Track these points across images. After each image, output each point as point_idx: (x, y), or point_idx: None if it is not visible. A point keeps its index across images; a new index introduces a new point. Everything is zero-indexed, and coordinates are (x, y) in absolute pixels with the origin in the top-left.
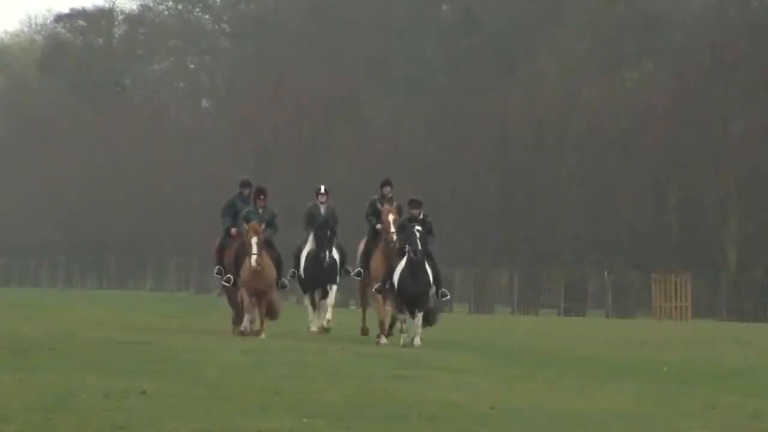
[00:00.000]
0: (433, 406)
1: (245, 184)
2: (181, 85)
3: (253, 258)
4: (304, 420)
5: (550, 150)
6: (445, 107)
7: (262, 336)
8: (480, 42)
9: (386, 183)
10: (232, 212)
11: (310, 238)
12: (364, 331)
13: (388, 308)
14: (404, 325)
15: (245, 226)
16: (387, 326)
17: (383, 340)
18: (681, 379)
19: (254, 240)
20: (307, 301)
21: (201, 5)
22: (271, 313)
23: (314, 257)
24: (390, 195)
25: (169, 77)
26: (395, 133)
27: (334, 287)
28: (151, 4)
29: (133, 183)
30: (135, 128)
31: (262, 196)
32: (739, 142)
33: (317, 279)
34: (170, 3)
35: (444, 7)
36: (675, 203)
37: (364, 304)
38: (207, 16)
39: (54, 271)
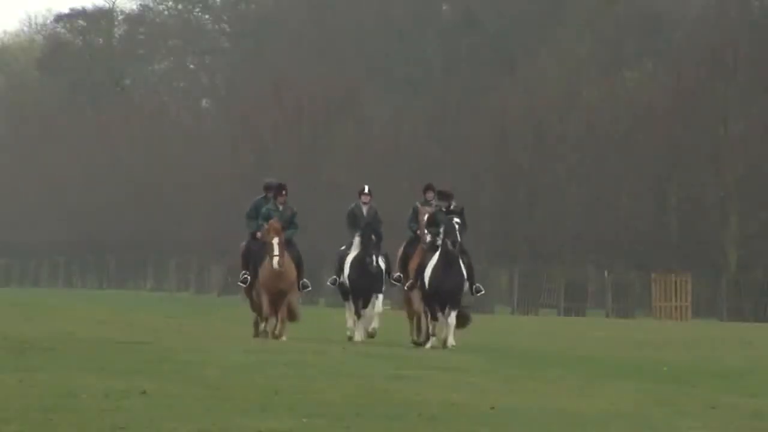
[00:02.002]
0: (433, 406)
1: (270, 187)
2: (181, 85)
3: (275, 260)
4: (304, 420)
5: (550, 150)
6: (445, 107)
7: (283, 338)
8: (480, 42)
9: (429, 188)
10: (257, 215)
11: (355, 242)
12: (417, 342)
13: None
14: (433, 327)
15: (265, 226)
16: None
17: (429, 343)
18: (681, 379)
19: (276, 240)
20: (348, 309)
21: (201, 5)
22: (290, 314)
23: (360, 263)
24: (433, 200)
25: (169, 77)
26: (395, 133)
27: (380, 297)
28: (151, 4)
29: (133, 183)
30: (135, 128)
31: (283, 192)
32: (739, 142)
33: (363, 287)
34: (170, 3)
35: (444, 7)
36: (675, 203)
37: (411, 314)
38: (207, 16)
39: (54, 271)
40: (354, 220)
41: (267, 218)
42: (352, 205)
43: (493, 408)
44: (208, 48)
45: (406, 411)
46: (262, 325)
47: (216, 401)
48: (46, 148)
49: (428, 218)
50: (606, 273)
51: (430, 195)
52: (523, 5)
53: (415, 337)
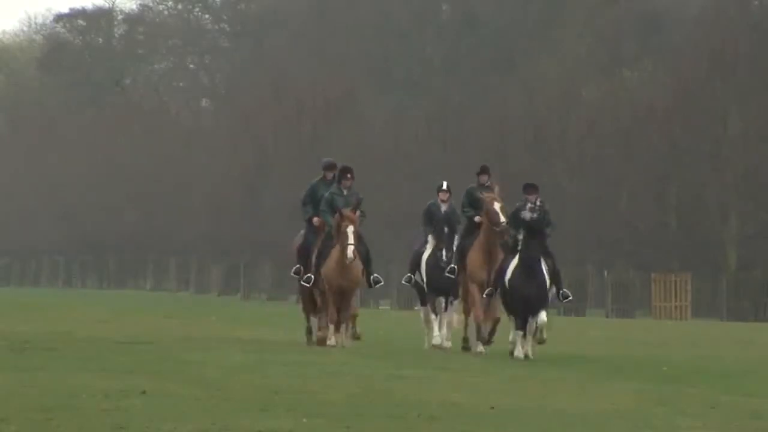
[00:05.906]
0: (433, 406)
1: (330, 166)
2: (181, 85)
3: (350, 249)
4: (304, 420)
5: (550, 150)
6: (445, 107)
7: (347, 343)
8: (480, 42)
9: (483, 171)
10: (314, 200)
11: (429, 240)
12: (466, 344)
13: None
14: (518, 336)
15: (330, 219)
16: (488, 332)
17: (480, 347)
18: (681, 378)
19: (350, 229)
20: (422, 314)
21: (201, 5)
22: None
23: (435, 261)
24: (488, 183)
25: (169, 77)
26: (395, 133)
27: (455, 303)
28: (151, 4)
29: (133, 183)
30: (135, 128)
31: (348, 175)
32: (739, 142)
33: (438, 285)
34: (170, 3)
35: (444, 7)
36: (675, 203)
37: (465, 310)
38: (207, 16)
39: (54, 271)
40: (430, 218)
41: (330, 204)
42: (429, 202)
43: (493, 408)
44: (208, 48)
45: (406, 411)
46: (330, 330)
47: (216, 401)
48: (46, 148)
49: (511, 215)
50: (606, 273)
51: (484, 178)
52: (523, 5)
53: (468, 336)
